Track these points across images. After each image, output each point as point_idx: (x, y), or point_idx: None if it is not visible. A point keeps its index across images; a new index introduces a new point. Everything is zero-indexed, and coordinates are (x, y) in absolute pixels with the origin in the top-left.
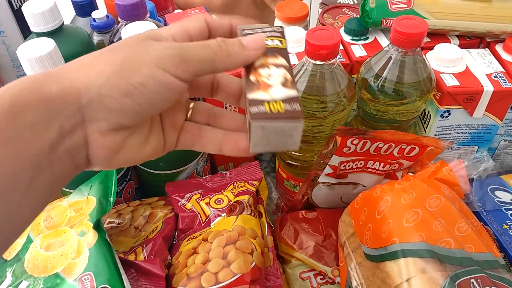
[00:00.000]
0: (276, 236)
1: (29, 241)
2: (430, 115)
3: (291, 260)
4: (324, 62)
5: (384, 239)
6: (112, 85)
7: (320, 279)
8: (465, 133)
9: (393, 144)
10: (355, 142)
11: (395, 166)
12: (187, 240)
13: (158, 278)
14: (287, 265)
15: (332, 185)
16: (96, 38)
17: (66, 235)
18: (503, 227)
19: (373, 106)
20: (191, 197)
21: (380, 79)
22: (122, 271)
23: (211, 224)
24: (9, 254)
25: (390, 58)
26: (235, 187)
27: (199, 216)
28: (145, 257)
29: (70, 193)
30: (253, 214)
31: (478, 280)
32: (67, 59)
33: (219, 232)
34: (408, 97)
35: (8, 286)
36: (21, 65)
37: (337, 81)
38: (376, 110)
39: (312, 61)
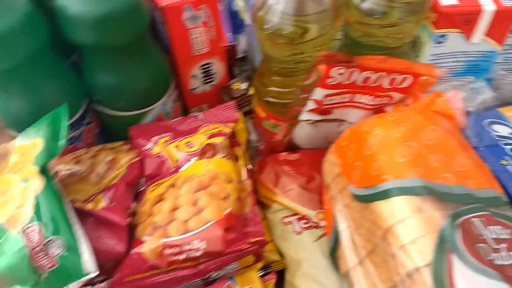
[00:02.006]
0: (256, 180)
1: None
2: (422, 42)
3: (272, 204)
4: None
5: (374, 177)
6: None
7: (304, 223)
8: (461, 61)
9: (383, 74)
10: (340, 71)
11: (385, 100)
12: (153, 187)
13: (119, 228)
14: (267, 210)
15: (315, 122)
16: None
17: (7, 182)
18: (501, 162)
19: (360, 30)
20: (158, 140)
21: None
22: (73, 221)
23: (181, 170)
24: None
25: None
26: (208, 129)
27: (167, 161)
28: (105, 205)
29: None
30: (228, 157)
31: (482, 218)
32: None
33: (189, 177)
34: (399, 18)
35: None
36: None
37: None
38: (364, 35)
39: None
